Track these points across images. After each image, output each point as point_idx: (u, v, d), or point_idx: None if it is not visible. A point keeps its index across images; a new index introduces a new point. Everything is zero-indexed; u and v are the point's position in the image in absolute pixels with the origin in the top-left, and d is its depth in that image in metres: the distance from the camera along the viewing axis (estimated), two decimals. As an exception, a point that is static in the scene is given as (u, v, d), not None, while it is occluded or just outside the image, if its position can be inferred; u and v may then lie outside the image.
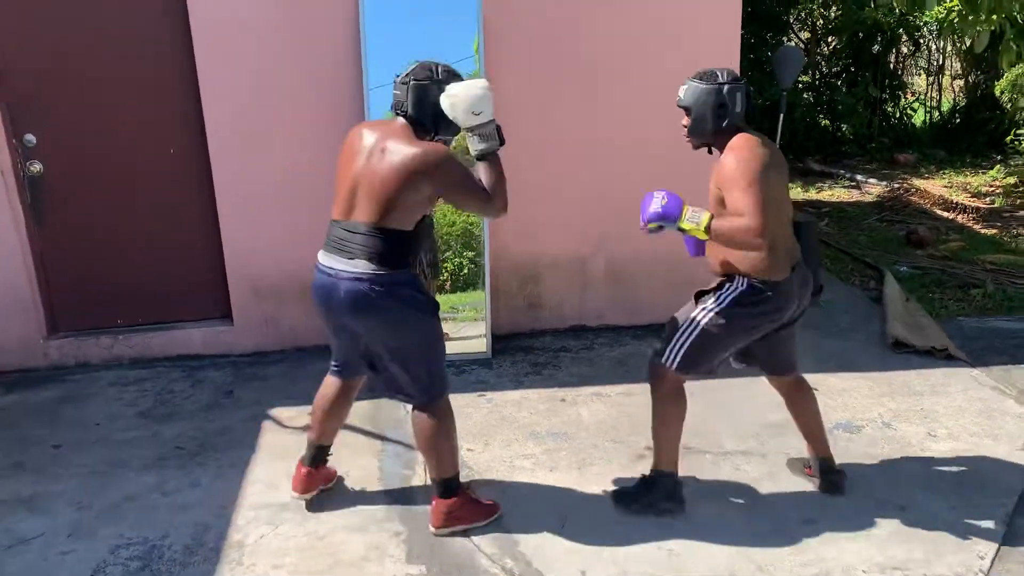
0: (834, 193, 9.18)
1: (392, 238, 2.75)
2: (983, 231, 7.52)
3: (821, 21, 12.07)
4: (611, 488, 3.31)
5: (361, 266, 2.75)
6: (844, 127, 11.34)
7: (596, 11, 4.48)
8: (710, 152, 2.99)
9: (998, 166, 9.97)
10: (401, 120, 2.83)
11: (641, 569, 2.84)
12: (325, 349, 4.65)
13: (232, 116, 4.34)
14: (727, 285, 2.94)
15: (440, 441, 2.97)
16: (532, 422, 3.89)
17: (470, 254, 4.53)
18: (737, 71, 4.65)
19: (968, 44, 10.27)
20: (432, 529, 3.02)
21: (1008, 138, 9.53)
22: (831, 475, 3.31)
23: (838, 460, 3.39)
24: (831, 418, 3.87)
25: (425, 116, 2.80)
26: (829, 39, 12.05)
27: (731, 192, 2.71)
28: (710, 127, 2.87)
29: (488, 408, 4.01)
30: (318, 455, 3.22)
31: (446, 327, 4.54)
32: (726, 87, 2.83)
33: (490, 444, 3.68)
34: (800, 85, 11.47)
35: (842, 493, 3.27)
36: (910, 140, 11.71)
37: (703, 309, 2.96)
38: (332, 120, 4.37)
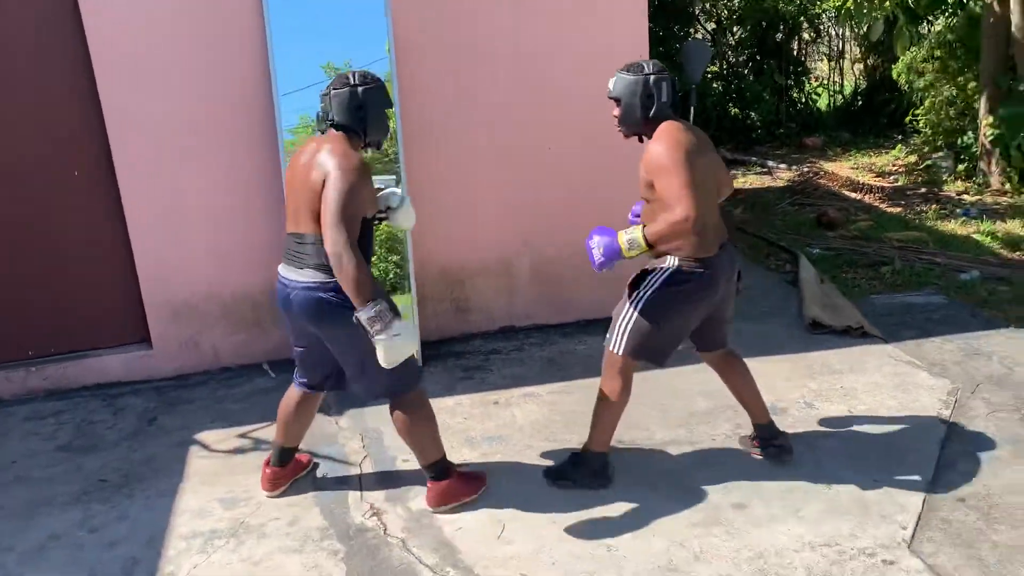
0: (747, 180, 9.43)
1: None
2: (889, 210, 7.83)
3: (726, 12, 12.37)
4: (548, 487, 3.34)
5: (310, 276, 2.87)
6: (753, 114, 11.65)
7: (506, 14, 4.50)
8: (640, 140, 3.12)
9: (899, 145, 10.39)
10: (334, 131, 2.93)
11: (582, 567, 2.87)
12: (251, 368, 4.60)
13: (138, 135, 4.20)
14: (658, 268, 3.08)
15: (420, 431, 3.13)
16: (466, 427, 3.89)
17: (395, 258, 4.50)
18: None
19: (865, 30, 10.69)
20: (429, 509, 3.21)
21: (907, 118, 9.94)
22: (773, 443, 3.46)
23: None
24: (757, 402, 3.98)
25: (351, 121, 2.91)
26: (734, 29, 12.35)
27: (660, 178, 2.86)
28: (639, 116, 3.00)
29: (421, 416, 3.99)
30: (284, 456, 3.35)
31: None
32: (652, 77, 2.98)
33: (425, 453, 3.66)
34: (709, 75, 11.74)
35: (790, 454, 3.46)
36: (816, 124, 12.11)
37: (637, 295, 3.10)
38: (243, 132, 4.29)
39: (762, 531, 3.03)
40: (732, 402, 3.96)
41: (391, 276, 4.51)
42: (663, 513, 3.15)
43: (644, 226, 2.89)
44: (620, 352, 3.14)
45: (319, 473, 3.53)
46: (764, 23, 11.71)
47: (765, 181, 9.28)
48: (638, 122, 3.02)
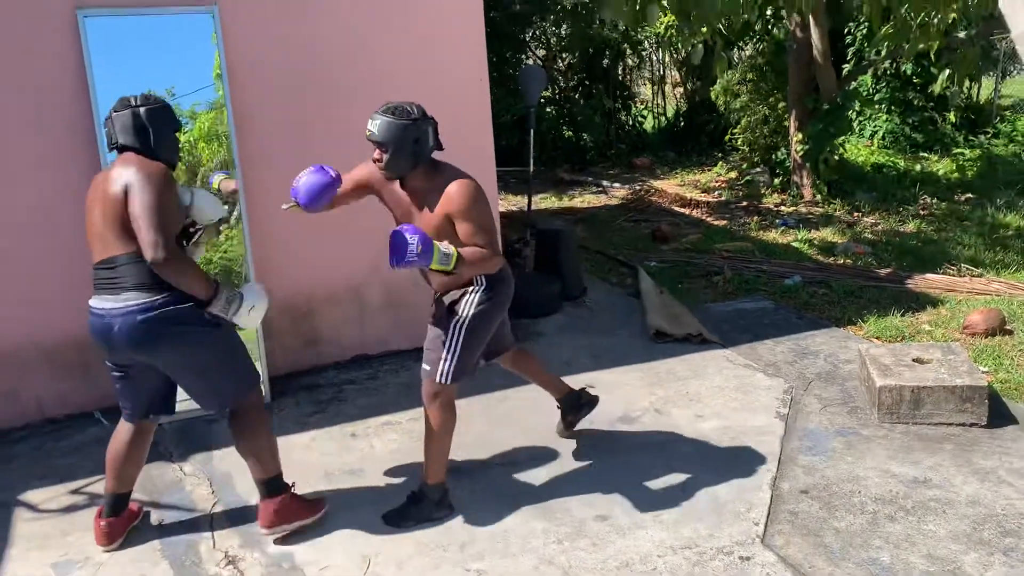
0: (585, 199, 9.74)
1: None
2: (716, 223, 8.31)
3: (555, 39, 12.79)
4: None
5: (132, 298, 2.76)
6: (586, 136, 12.08)
7: (345, 40, 4.43)
8: (403, 186, 3.11)
9: (720, 163, 11.07)
10: (125, 154, 2.89)
11: (453, 595, 2.82)
12: (81, 418, 4.23)
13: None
14: (471, 288, 3.16)
15: (258, 441, 3.03)
16: (324, 463, 3.75)
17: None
18: (487, 90, 4.81)
19: (684, 55, 11.36)
20: (263, 531, 3.07)
21: (726, 137, 10.61)
22: (582, 404, 3.82)
23: (618, 452, 3.63)
24: (610, 412, 4.08)
25: (137, 142, 2.88)
26: (563, 55, 12.79)
27: (466, 222, 2.97)
28: (408, 162, 2.99)
29: (274, 455, 3.81)
30: (118, 504, 3.14)
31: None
32: (420, 123, 2.96)
33: (281, 493, 3.50)
34: (542, 100, 12.08)
35: (596, 402, 3.86)
36: (644, 145, 12.73)
37: (458, 320, 3.13)
38: (62, 166, 3.97)
39: (626, 539, 3.09)
40: (589, 415, 4.05)
41: None
42: (529, 532, 3.16)
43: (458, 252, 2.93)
44: (448, 381, 3.13)
45: (160, 521, 3.28)
46: (591, 49, 12.19)
47: (601, 199, 9.63)
48: (407, 167, 3.01)
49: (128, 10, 3.97)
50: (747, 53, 10.54)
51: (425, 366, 3.18)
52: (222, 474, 3.66)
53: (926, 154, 10.96)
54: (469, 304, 3.14)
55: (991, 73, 13.56)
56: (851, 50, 10.89)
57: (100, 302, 2.82)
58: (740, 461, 3.63)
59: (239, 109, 4.24)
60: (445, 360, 3.12)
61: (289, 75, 4.36)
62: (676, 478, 3.51)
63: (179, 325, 2.79)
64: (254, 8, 4.23)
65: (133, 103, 2.91)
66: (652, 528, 3.16)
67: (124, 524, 3.17)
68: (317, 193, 3.05)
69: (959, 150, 10.90)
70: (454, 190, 2.97)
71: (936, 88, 9.10)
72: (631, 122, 12.96)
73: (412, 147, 2.95)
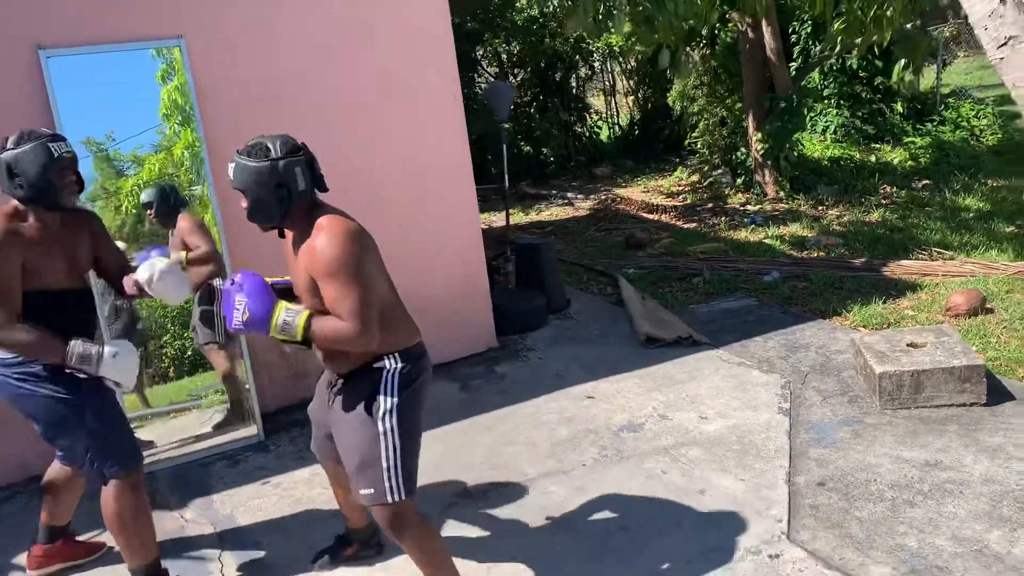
0: (552, 212, 9.74)
1: None
2: (685, 226, 8.36)
3: (506, 56, 12.83)
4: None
5: None
6: (545, 150, 12.11)
7: (313, 61, 4.35)
8: (282, 236, 2.55)
9: (680, 167, 11.17)
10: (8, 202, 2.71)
11: (485, 621, 2.74)
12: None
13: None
14: (383, 372, 2.52)
15: (123, 524, 2.82)
16: (329, 499, 3.62)
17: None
18: (461, 107, 4.75)
19: (634, 65, 11.48)
20: None
21: (686, 141, 10.71)
22: (351, 547, 3.13)
23: (627, 460, 3.60)
24: (614, 421, 4.04)
25: (7, 188, 2.68)
26: (516, 71, 12.83)
27: (328, 286, 2.35)
28: (274, 210, 2.42)
29: (277, 495, 3.68)
30: (53, 535, 3.14)
31: (190, 418, 4.14)
32: (282, 163, 2.39)
33: (288, 534, 3.38)
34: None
35: (373, 551, 3.13)
36: (601, 155, 12.81)
37: (383, 413, 2.49)
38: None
39: (652, 549, 3.04)
40: (591, 425, 4.01)
41: (188, 355, 4.19)
42: (553, 551, 3.09)
43: (310, 314, 2.39)
44: (403, 496, 2.50)
45: (173, 576, 3.15)
46: (543, 63, 12.25)
47: (568, 212, 9.63)
48: (275, 216, 2.44)
49: (89, 48, 3.84)
50: (695, 57, 10.66)
51: (362, 490, 2.51)
52: (225, 518, 3.53)
53: (878, 145, 11.19)
54: (389, 391, 2.50)
55: (931, 63, 13.92)
56: (796, 48, 11.10)
57: None
58: (751, 459, 3.60)
59: (212, 147, 4.11)
60: (389, 474, 2.48)
61: (258, 101, 4.25)
62: (690, 482, 3.47)
63: (25, 382, 2.71)
64: (222, 37, 4.13)
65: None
66: (675, 534, 3.11)
67: (60, 557, 3.15)
68: (261, 293, 2.43)
69: (910, 139, 11.15)
70: (318, 241, 2.36)
71: (893, 77, 9.30)
72: (587, 133, 13.04)
73: (275, 193, 2.38)
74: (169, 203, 3.96)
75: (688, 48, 9.58)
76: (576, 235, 8.44)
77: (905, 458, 3.50)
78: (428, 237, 4.72)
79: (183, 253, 3.76)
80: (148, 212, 3.95)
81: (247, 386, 4.21)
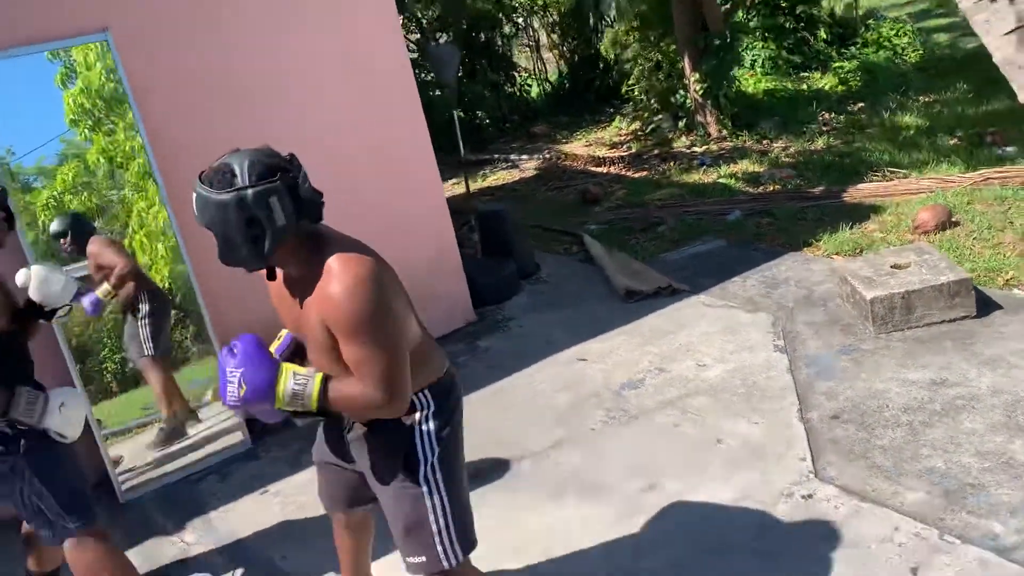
0: (498, 176, 9.55)
1: None
2: (636, 175, 8.28)
3: (426, 21, 12.49)
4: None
5: None
6: (479, 114, 11.87)
7: (266, 49, 4.07)
8: (271, 278, 2.04)
9: (617, 117, 11.07)
10: None
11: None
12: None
13: None
14: (415, 429, 2.09)
15: None
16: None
17: (192, 330, 3.96)
18: (411, 76, 4.54)
19: (556, 15, 11.29)
20: None
21: (623, 89, 10.59)
22: None
23: (635, 417, 3.56)
24: (613, 381, 3.96)
25: None
26: (439, 35, 12.51)
27: (349, 345, 1.89)
28: (250, 249, 1.87)
29: (279, 503, 3.50)
30: None
31: (153, 432, 3.92)
32: (250, 192, 1.82)
33: (301, 542, 3.21)
34: (427, 83, 11.81)
35: None
36: (534, 113, 12.61)
37: (424, 473, 2.08)
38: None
39: (685, 505, 2.97)
40: (591, 388, 3.92)
41: (191, 352, 3.99)
42: (583, 521, 3.00)
43: (324, 378, 1.92)
44: (460, 558, 2.14)
45: (186, 604, 2.97)
46: (466, 25, 11.97)
47: (514, 174, 9.46)
48: (251, 260, 1.90)
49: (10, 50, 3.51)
50: (622, 2, 10.52)
51: (410, 558, 2.13)
52: (227, 534, 3.35)
53: (807, 74, 11.25)
54: (426, 445, 2.09)
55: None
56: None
57: None
58: (759, 401, 3.56)
59: (160, 158, 3.83)
60: (440, 537, 2.10)
61: (196, 92, 3.97)
62: (704, 431, 3.41)
63: None
64: (153, 29, 3.83)
65: None
66: (704, 488, 3.05)
67: None
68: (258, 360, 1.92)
69: (837, 64, 11.23)
70: (332, 290, 1.87)
71: (824, 4, 9.29)
72: (518, 92, 12.83)
73: (246, 231, 1.84)
74: (84, 228, 3.75)
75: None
76: (528, 197, 8.29)
77: (911, 380, 3.49)
78: (396, 216, 4.52)
79: (106, 285, 3.58)
80: (62, 241, 3.69)
81: (205, 398, 4.00)
